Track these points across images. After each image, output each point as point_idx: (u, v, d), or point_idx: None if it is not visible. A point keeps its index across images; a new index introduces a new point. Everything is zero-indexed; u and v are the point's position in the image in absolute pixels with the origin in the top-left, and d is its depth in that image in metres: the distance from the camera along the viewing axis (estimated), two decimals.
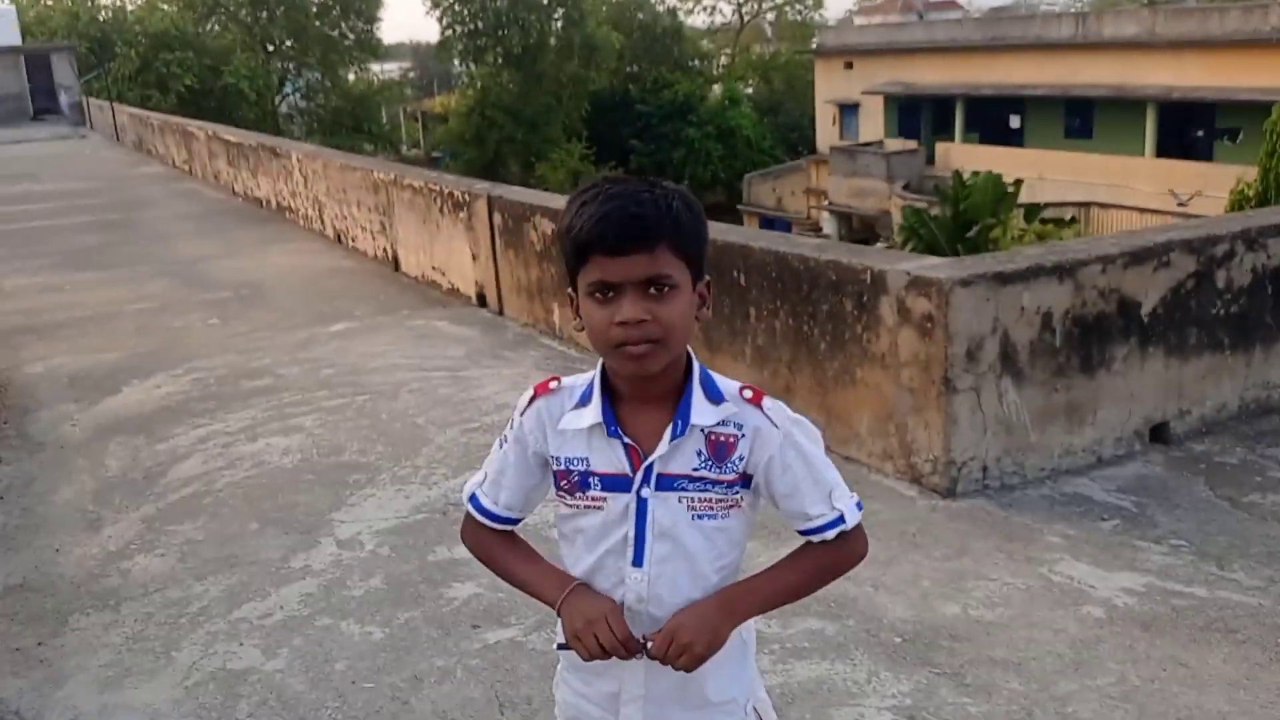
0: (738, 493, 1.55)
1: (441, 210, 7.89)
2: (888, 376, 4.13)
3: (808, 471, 1.54)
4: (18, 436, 5.18)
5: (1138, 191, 26.58)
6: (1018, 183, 21.89)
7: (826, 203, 33.18)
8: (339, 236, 10.38)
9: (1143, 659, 2.80)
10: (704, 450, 1.52)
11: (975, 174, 21.85)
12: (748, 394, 1.54)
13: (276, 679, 2.96)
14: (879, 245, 23.72)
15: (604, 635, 1.50)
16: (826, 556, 1.59)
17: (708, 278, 1.54)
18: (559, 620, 1.62)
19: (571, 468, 1.56)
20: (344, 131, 42.69)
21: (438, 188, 7.95)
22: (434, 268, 8.19)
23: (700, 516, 1.54)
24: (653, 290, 1.44)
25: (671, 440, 1.51)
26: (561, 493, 1.59)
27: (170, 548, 3.82)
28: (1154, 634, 2.91)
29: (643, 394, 1.52)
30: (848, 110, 36.80)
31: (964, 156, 30.40)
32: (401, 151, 47.64)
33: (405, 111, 55.38)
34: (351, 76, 47.45)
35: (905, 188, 29.34)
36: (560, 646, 1.59)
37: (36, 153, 24.36)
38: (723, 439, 1.52)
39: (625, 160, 41.47)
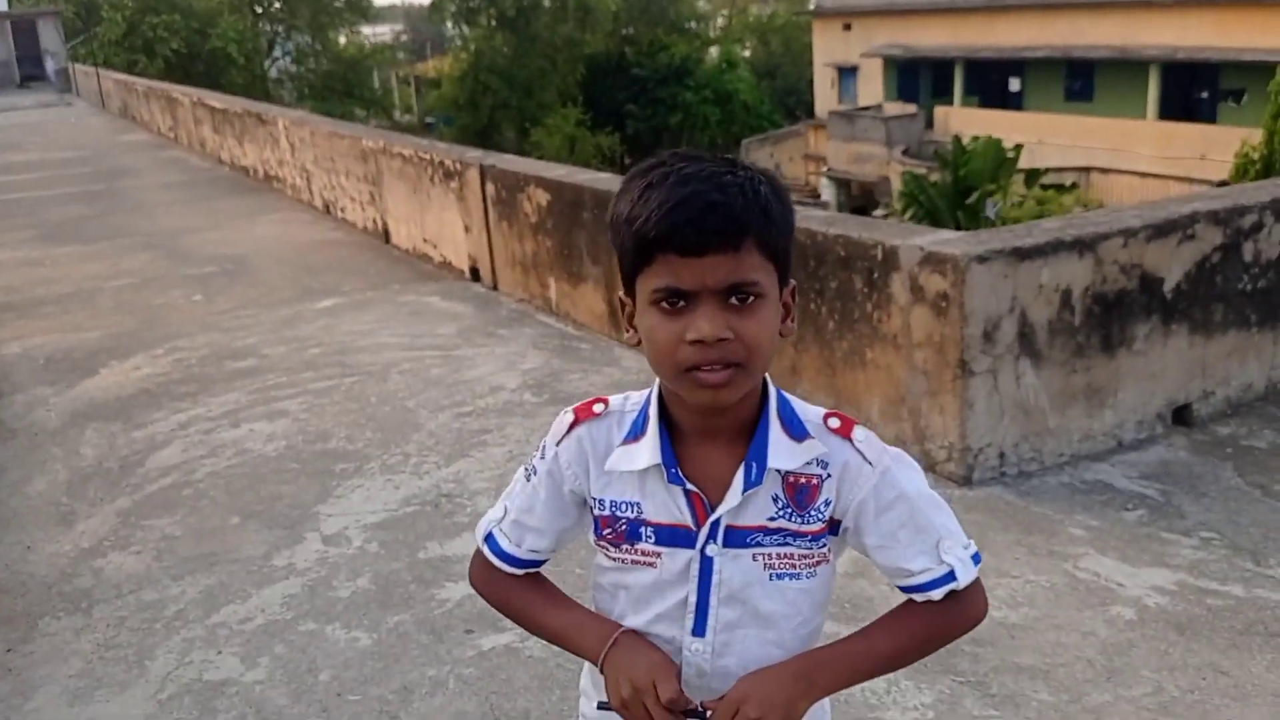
0: (824, 545, 1.28)
1: (432, 180, 7.65)
2: (900, 358, 3.94)
3: (910, 516, 1.26)
4: None
5: (1139, 156, 26.29)
6: (1017, 148, 21.63)
7: (825, 169, 32.85)
8: (327, 207, 10.13)
9: (1179, 666, 2.62)
10: (781, 495, 1.25)
11: (975, 139, 21.58)
12: (834, 423, 1.26)
13: (256, 691, 2.78)
14: (879, 212, 23.51)
15: (653, 708, 1.21)
16: (933, 622, 1.29)
17: (793, 282, 1.24)
18: (585, 671, 1.38)
19: (619, 514, 1.28)
20: (335, 97, 42.12)
21: (428, 156, 7.70)
22: (425, 240, 7.96)
23: (780, 576, 1.27)
24: (734, 300, 1.15)
25: (745, 490, 1.23)
26: (604, 542, 1.31)
27: (146, 544, 3.63)
28: (1190, 638, 2.74)
29: (710, 428, 1.24)
30: (846, 74, 36.39)
31: (963, 121, 30.07)
32: (394, 117, 47.07)
33: (398, 76, 54.71)
34: (342, 39, 46.75)
35: (904, 153, 29.03)
36: (601, 706, 1.30)
37: (22, 121, 23.97)
38: (804, 481, 1.25)
39: (621, 125, 41.02)
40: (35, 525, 3.83)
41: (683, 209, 1.12)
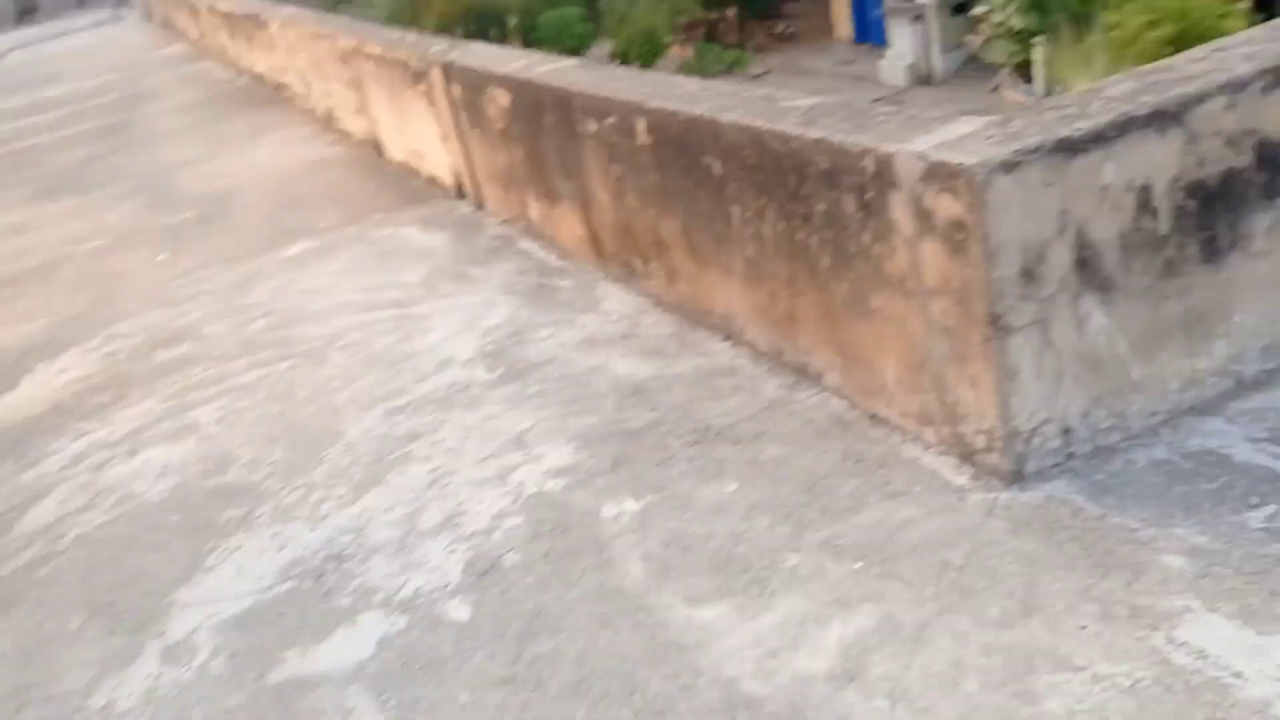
0: None
1: (405, 82, 6.59)
2: (913, 309, 2.84)
3: None
4: None
5: None
6: None
7: None
8: (328, 118, 9.17)
9: None
10: None
11: None
12: None
13: None
14: (981, 7, 20.80)
15: None
16: None
17: None
18: None
19: None
20: None
21: (394, 55, 6.63)
22: (412, 152, 6.95)
23: None
24: None
25: None
26: None
27: None
28: None
29: None
30: None
31: None
32: None
33: None
34: None
35: None
36: None
37: (70, 46, 23.51)
38: None
39: None
40: None
41: None
